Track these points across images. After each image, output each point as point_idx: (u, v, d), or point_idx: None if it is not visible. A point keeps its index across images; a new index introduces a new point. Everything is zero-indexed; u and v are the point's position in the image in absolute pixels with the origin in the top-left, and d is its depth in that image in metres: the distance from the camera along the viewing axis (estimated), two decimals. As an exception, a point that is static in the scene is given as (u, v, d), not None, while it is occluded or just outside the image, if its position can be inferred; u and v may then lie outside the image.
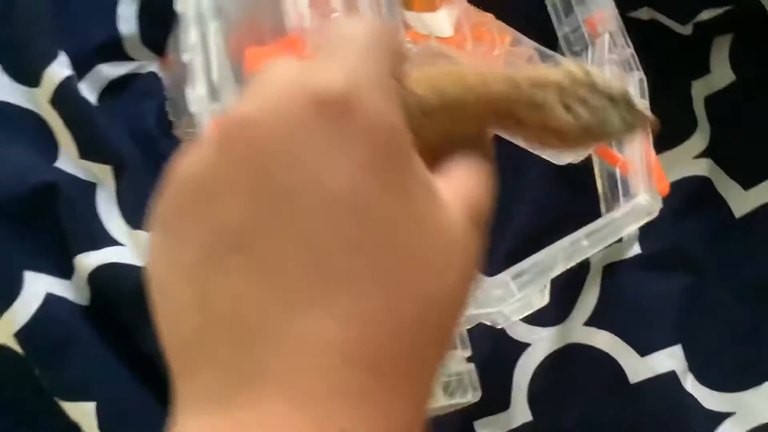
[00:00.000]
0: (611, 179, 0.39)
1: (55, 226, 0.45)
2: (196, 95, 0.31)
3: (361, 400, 0.17)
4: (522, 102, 0.21)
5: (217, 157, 0.18)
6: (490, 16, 0.38)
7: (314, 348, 0.17)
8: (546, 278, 0.31)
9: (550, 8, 0.46)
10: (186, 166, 0.19)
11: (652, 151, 0.39)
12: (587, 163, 0.40)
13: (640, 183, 0.37)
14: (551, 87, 0.21)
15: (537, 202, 0.47)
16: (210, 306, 0.18)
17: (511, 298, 0.29)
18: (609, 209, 0.38)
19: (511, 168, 0.47)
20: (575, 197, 0.45)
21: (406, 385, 0.18)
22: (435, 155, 0.21)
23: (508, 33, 0.37)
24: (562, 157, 0.38)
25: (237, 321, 0.18)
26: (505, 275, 0.30)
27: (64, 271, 0.45)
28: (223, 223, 0.18)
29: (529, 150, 0.31)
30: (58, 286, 0.44)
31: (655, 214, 0.36)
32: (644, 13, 0.50)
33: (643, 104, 0.39)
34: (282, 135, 0.18)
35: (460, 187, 0.20)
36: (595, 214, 0.40)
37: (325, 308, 0.17)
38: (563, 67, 0.21)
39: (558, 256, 0.32)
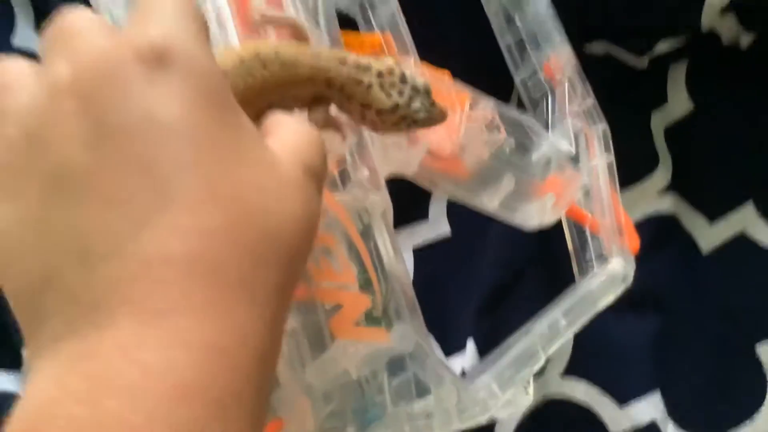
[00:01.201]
0: (582, 238, 0.38)
1: None
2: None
3: (206, 312, 0.18)
4: (347, 77, 0.26)
5: (49, 114, 0.19)
6: (446, 77, 0.36)
7: (159, 265, 0.18)
8: (529, 372, 0.30)
9: (505, 53, 0.44)
10: (14, 119, 0.20)
11: (621, 207, 0.38)
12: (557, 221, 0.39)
13: (612, 244, 0.36)
14: (372, 71, 0.27)
15: (503, 251, 0.46)
16: (54, 242, 0.19)
17: (494, 401, 0.27)
18: (581, 270, 0.37)
19: (476, 224, 0.45)
20: (544, 248, 0.44)
21: (249, 299, 0.19)
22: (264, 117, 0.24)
23: (466, 94, 0.35)
24: (531, 223, 0.36)
25: (84, 250, 0.19)
26: (487, 377, 0.29)
27: None
28: (60, 166, 0.19)
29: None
30: None
31: (630, 280, 0.35)
32: (600, 48, 0.49)
33: (608, 159, 0.38)
34: (111, 84, 0.19)
35: (288, 143, 0.22)
36: (565, 268, 0.39)
37: (167, 227, 0.18)
38: (382, 60, 0.27)
39: (537, 344, 0.30)
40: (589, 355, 0.45)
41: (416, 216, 0.48)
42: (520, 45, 0.43)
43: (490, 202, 0.35)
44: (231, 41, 0.28)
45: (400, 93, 0.27)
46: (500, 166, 0.35)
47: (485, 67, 0.43)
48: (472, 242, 0.47)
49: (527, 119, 0.37)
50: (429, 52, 0.37)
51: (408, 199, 0.45)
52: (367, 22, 0.38)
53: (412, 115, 0.27)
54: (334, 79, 0.26)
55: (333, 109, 0.28)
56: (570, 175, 0.36)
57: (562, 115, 0.40)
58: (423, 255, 0.47)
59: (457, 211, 0.47)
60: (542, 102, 0.42)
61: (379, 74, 0.27)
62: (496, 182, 0.35)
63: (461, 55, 0.45)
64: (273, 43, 0.27)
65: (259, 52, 0.25)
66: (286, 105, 0.27)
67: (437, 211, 0.48)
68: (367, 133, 0.31)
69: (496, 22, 0.44)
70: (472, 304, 0.45)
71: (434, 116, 0.28)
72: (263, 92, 0.25)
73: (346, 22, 0.39)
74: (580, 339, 0.45)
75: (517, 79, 0.43)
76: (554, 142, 0.37)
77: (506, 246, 0.46)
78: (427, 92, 0.27)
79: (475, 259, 0.46)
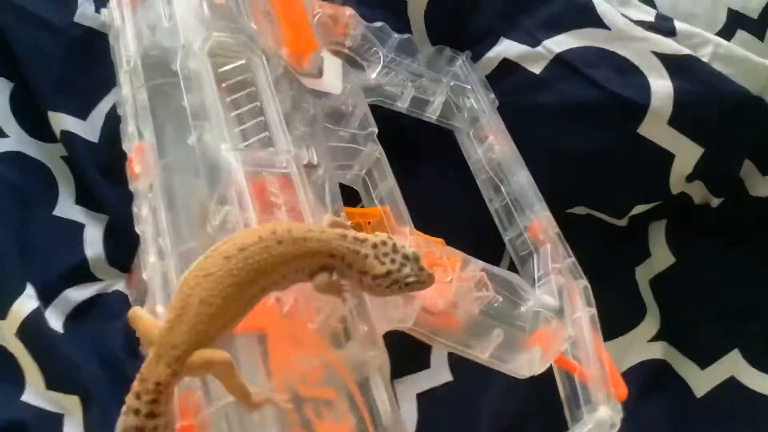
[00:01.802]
0: (571, 385, 0.41)
1: None
2: (147, 262, 0.32)
3: None
4: (347, 249, 0.31)
5: None
6: (440, 243, 0.41)
7: None
8: None
9: (494, 216, 0.49)
10: None
11: (607, 356, 0.41)
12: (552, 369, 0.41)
13: (599, 392, 0.38)
14: (368, 243, 0.31)
15: (504, 397, 0.48)
16: None
17: None
18: (573, 416, 0.40)
19: (477, 372, 0.48)
20: (542, 394, 0.47)
21: None
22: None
23: (458, 257, 0.39)
24: (522, 372, 0.39)
25: None
26: None
27: None
28: None
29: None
30: None
31: (617, 426, 0.38)
32: (580, 210, 0.54)
33: (590, 312, 0.42)
34: None
35: None
36: (561, 415, 0.41)
37: None
38: (377, 234, 0.32)
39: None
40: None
41: (419, 365, 0.50)
42: (507, 209, 0.48)
43: (481, 353, 0.38)
44: (250, 222, 0.33)
45: (392, 261, 0.31)
46: (490, 320, 0.38)
47: (480, 230, 0.48)
48: (474, 387, 0.49)
49: (514, 277, 0.41)
50: (427, 215, 0.42)
51: (410, 349, 0.48)
52: (369, 195, 0.43)
53: (403, 280, 0.31)
54: (337, 251, 0.31)
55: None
56: (556, 328, 0.40)
57: (547, 272, 0.44)
58: (426, 401, 0.49)
59: (458, 359, 0.50)
60: (529, 259, 0.46)
61: (374, 246, 0.31)
62: (487, 335, 0.38)
63: (457, 218, 0.50)
64: (286, 223, 0.31)
65: (275, 230, 0.30)
66: (292, 277, 0.31)
67: (439, 359, 0.51)
68: (366, 296, 0.35)
69: (485, 190, 0.50)
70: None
71: (422, 280, 0.31)
72: (276, 266, 0.30)
73: (351, 194, 0.44)
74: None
75: (506, 239, 0.48)
76: (540, 298, 0.41)
77: (507, 393, 0.48)
78: (416, 259, 0.32)
79: (477, 403, 0.49)
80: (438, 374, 0.51)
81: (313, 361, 0.30)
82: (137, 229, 0.35)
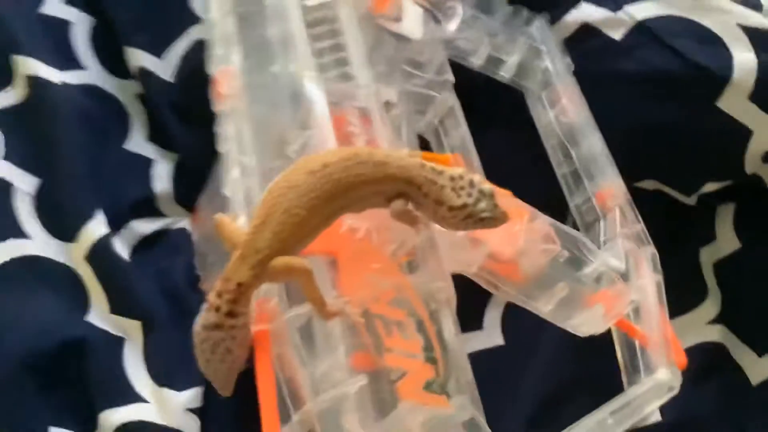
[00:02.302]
0: (631, 350, 0.40)
1: (82, 380, 0.46)
2: (230, 178, 0.33)
3: None
4: (425, 178, 0.31)
5: None
6: (508, 193, 0.41)
7: None
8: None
9: (561, 181, 0.49)
10: None
11: (669, 325, 0.40)
12: (605, 334, 0.41)
13: (660, 356, 0.38)
14: (446, 175, 0.31)
15: (553, 365, 0.48)
16: None
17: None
18: (630, 381, 0.39)
19: (529, 337, 0.48)
20: (592, 364, 0.46)
21: None
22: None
23: (526, 209, 0.39)
24: (582, 329, 0.39)
25: None
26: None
27: (88, 427, 0.45)
28: None
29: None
30: None
31: (676, 389, 0.37)
32: (649, 184, 0.53)
33: (656, 278, 0.41)
34: None
35: None
36: (612, 383, 0.41)
37: None
38: (454, 167, 0.32)
39: (585, 437, 0.32)
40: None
41: (471, 326, 0.50)
42: (575, 175, 0.47)
43: (544, 306, 0.38)
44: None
45: (469, 195, 0.31)
46: (555, 273, 0.38)
47: (543, 191, 0.48)
48: (524, 354, 0.49)
49: (581, 236, 0.41)
50: (493, 174, 0.42)
51: (464, 309, 0.48)
52: (440, 144, 0.43)
53: (478, 214, 0.31)
54: (415, 179, 0.31)
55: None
56: (621, 289, 0.39)
57: (614, 236, 0.43)
58: (475, 362, 0.49)
59: (511, 323, 0.50)
60: (595, 226, 0.46)
61: (452, 178, 0.31)
62: (551, 288, 0.38)
63: (522, 180, 0.50)
64: (368, 147, 0.32)
65: (357, 152, 0.30)
66: (370, 199, 0.31)
67: (492, 322, 0.51)
68: (437, 232, 0.35)
69: (554, 155, 0.49)
70: (521, 415, 0.46)
71: (497, 217, 0.31)
72: (356, 185, 0.30)
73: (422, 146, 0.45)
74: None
75: (572, 204, 0.48)
76: (606, 259, 0.41)
77: (557, 360, 0.48)
78: (492, 196, 0.32)
79: (526, 370, 0.48)
80: (490, 337, 0.50)
81: (385, 283, 0.30)
82: (220, 149, 0.35)
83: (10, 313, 0.46)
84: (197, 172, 0.53)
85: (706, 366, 0.49)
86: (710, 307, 0.52)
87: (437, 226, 0.34)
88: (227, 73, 0.36)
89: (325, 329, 0.31)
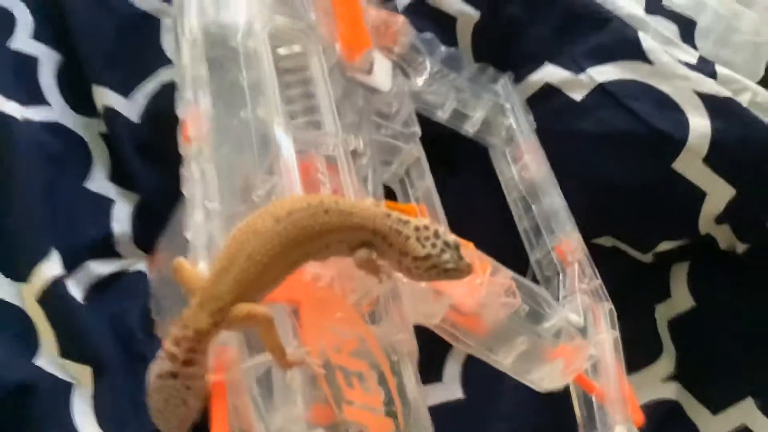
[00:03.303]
0: (588, 407, 0.40)
1: (28, 426, 0.44)
2: (193, 221, 0.33)
3: None
4: (390, 228, 0.31)
5: None
6: (470, 245, 0.41)
7: None
8: None
9: (522, 235, 0.49)
10: None
11: (626, 381, 0.40)
12: (564, 389, 0.41)
13: (617, 413, 0.38)
14: (411, 225, 0.31)
15: (513, 419, 0.48)
16: None
17: None
18: (588, 438, 0.39)
19: (489, 390, 0.48)
20: (551, 417, 0.46)
21: None
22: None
23: (488, 262, 0.40)
24: (542, 384, 0.39)
25: None
26: None
27: None
28: None
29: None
30: None
31: (633, 448, 0.37)
32: (607, 241, 0.54)
33: (612, 334, 0.42)
34: None
35: None
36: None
37: None
38: (420, 218, 0.32)
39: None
40: None
41: (431, 378, 0.50)
42: (536, 229, 0.48)
43: (504, 359, 0.38)
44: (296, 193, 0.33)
45: (434, 245, 0.31)
46: (515, 327, 0.38)
47: (505, 243, 0.48)
48: (484, 407, 0.49)
49: (541, 290, 0.41)
50: (456, 225, 0.43)
51: (424, 361, 0.48)
52: (405, 194, 0.44)
53: (443, 265, 0.31)
54: (380, 229, 0.31)
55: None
56: (579, 345, 0.40)
57: (572, 291, 0.44)
58: (435, 415, 0.49)
59: (471, 376, 0.50)
60: (554, 279, 0.47)
61: (416, 228, 0.31)
62: (511, 341, 0.38)
63: (484, 232, 0.51)
64: (334, 196, 0.32)
65: (323, 200, 0.30)
66: (334, 248, 0.31)
67: (452, 375, 0.50)
68: (400, 283, 0.35)
69: (515, 209, 0.50)
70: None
71: (461, 268, 0.32)
72: (320, 234, 0.30)
73: (387, 195, 0.45)
74: None
75: (532, 258, 0.48)
76: (565, 314, 0.41)
77: (517, 414, 0.48)
78: (457, 247, 0.32)
79: (486, 423, 0.48)
80: (450, 390, 0.50)
81: (347, 333, 0.30)
82: (184, 191, 0.35)
83: None
84: (157, 213, 0.53)
85: (661, 423, 0.50)
86: (665, 364, 0.52)
87: (400, 278, 0.34)
88: (195, 116, 0.35)
89: (284, 381, 0.30)
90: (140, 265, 0.53)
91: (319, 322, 0.30)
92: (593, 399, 0.41)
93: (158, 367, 0.28)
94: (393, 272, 0.33)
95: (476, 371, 0.50)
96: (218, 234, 0.32)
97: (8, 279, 0.49)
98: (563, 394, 0.44)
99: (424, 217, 0.32)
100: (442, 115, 0.50)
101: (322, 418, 0.29)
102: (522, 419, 0.48)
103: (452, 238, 0.32)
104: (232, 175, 0.35)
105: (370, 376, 0.29)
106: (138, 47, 0.55)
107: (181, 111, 0.37)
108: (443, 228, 0.32)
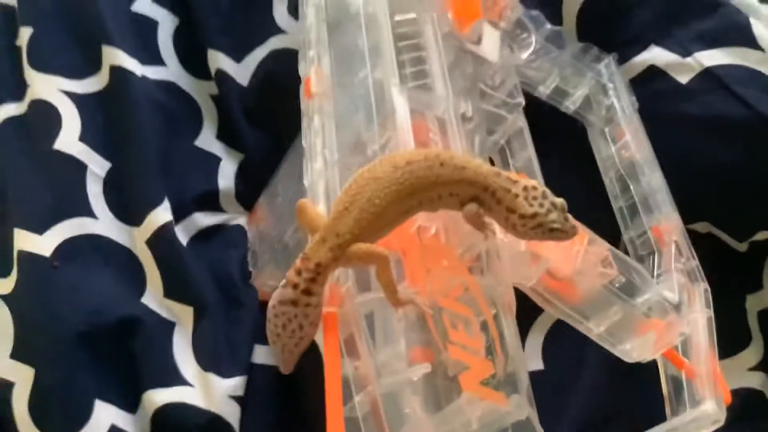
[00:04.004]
0: (676, 382, 0.41)
1: (131, 359, 0.47)
2: (312, 168, 0.35)
3: None
4: (500, 185, 0.32)
5: None
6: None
7: None
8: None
9: (617, 213, 0.50)
10: None
11: (716, 360, 0.40)
12: (644, 366, 0.41)
13: (706, 389, 0.38)
14: (519, 184, 0.32)
15: (592, 393, 0.48)
16: None
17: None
18: (674, 412, 0.39)
19: (569, 364, 0.48)
20: (631, 394, 0.46)
21: None
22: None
23: (585, 232, 0.40)
24: (632, 355, 0.39)
25: None
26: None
27: (131, 404, 0.46)
28: None
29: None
30: (123, 419, 0.45)
31: (721, 422, 0.37)
32: (702, 227, 0.53)
33: (707, 314, 0.42)
34: None
35: None
36: (652, 415, 0.41)
37: None
38: (529, 179, 0.33)
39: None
40: None
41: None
42: (632, 208, 0.48)
43: (596, 327, 0.39)
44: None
45: (541, 205, 0.32)
46: (609, 297, 0.39)
47: (594, 222, 0.49)
48: (564, 380, 0.49)
49: (638, 265, 0.41)
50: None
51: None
52: (505, 164, 0.45)
53: (549, 224, 0.32)
54: (490, 185, 0.32)
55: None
56: (673, 321, 0.40)
57: (668, 270, 0.44)
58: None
59: (551, 350, 0.51)
60: (647, 259, 0.47)
61: (525, 188, 0.32)
62: (605, 310, 0.38)
63: (574, 209, 0.51)
64: (450, 151, 0.33)
65: (439, 154, 0.32)
66: (446, 200, 0.33)
67: (533, 346, 0.51)
68: (501, 243, 0.36)
69: (611, 187, 0.50)
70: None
71: (566, 229, 0.32)
72: (435, 185, 0.32)
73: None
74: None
75: (626, 237, 0.48)
76: (660, 290, 0.41)
77: (596, 388, 0.48)
78: (563, 209, 0.33)
79: (565, 396, 0.49)
80: (531, 361, 0.51)
81: (453, 279, 0.31)
82: (303, 143, 0.37)
83: (71, 285, 0.48)
84: (259, 173, 0.55)
85: (744, 411, 0.49)
86: (753, 353, 0.52)
87: (502, 239, 0.35)
88: (318, 73, 0.37)
89: (388, 321, 0.32)
90: (240, 219, 0.56)
91: (427, 268, 0.32)
92: (682, 375, 0.41)
93: (280, 294, 0.30)
94: (498, 229, 0.34)
95: (558, 345, 0.51)
96: (335, 181, 0.34)
97: (121, 223, 0.52)
98: (645, 373, 0.44)
99: (532, 179, 0.33)
100: (544, 91, 0.50)
101: (421, 359, 0.31)
102: (601, 394, 0.48)
103: (559, 200, 0.33)
104: (349, 130, 0.36)
105: (473, 322, 0.31)
106: (251, 16, 0.58)
107: (304, 69, 0.39)
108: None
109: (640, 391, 0.45)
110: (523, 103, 0.45)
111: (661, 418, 0.41)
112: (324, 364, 0.29)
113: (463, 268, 0.32)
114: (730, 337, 0.52)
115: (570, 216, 0.33)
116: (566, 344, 0.50)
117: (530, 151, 0.43)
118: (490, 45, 0.45)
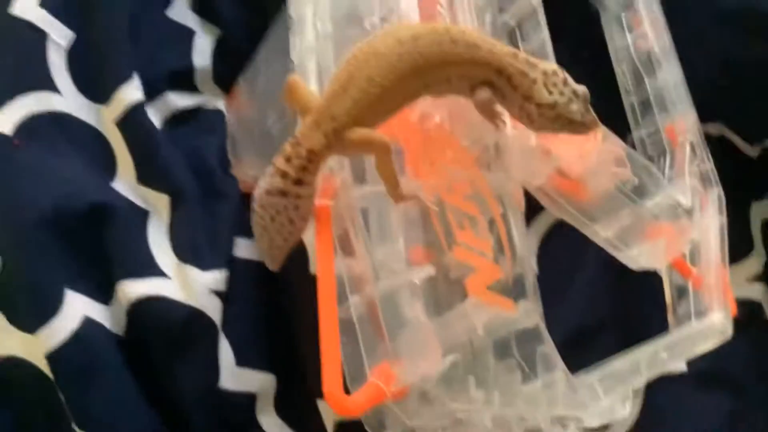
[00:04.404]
0: (681, 291, 0.38)
1: (103, 247, 0.44)
2: (303, 43, 0.31)
3: None
4: (516, 68, 0.28)
5: None
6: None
7: None
8: (630, 386, 0.30)
9: (627, 109, 0.46)
10: None
11: (726, 270, 0.38)
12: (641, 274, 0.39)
13: (714, 300, 0.36)
14: (539, 69, 0.29)
15: (589, 301, 0.47)
16: None
17: (596, 402, 0.28)
18: (678, 322, 0.38)
19: (565, 269, 0.46)
20: (632, 303, 0.45)
21: None
22: None
23: (600, 127, 0.37)
24: (639, 261, 0.37)
25: None
26: (591, 377, 0.29)
27: (105, 295, 0.43)
28: None
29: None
30: (96, 311, 0.42)
31: (728, 336, 0.36)
32: (714, 129, 0.50)
33: (720, 221, 0.39)
34: None
35: None
36: (650, 326, 0.39)
37: None
38: (549, 63, 0.29)
39: (641, 364, 0.31)
40: (655, 423, 0.45)
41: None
42: (645, 104, 0.45)
43: (603, 231, 0.36)
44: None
45: (561, 93, 0.29)
46: (620, 199, 0.36)
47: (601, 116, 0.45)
48: (558, 285, 0.47)
49: (651, 165, 0.38)
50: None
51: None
52: (515, 47, 0.40)
53: (568, 115, 0.29)
54: (506, 68, 0.28)
55: None
56: (684, 226, 0.37)
57: (681, 172, 0.41)
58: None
59: (546, 254, 0.49)
60: (658, 160, 0.44)
61: (545, 73, 0.29)
62: (615, 213, 0.36)
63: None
64: (461, 26, 0.29)
65: (449, 29, 0.28)
66: (454, 83, 0.29)
67: (528, 249, 0.49)
68: (509, 137, 0.33)
69: (623, 80, 0.46)
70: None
71: (587, 122, 0.29)
72: (444, 64, 0.28)
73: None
74: (646, 409, 0.45)
75: (636, 135, 0.45)
76: (672, 193, 0.38)
77: (591, 295, 0.47)
78: (586, 99, 0.29)
79: (558, 302, 0.47)
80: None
81: (460, 174, 0.28)
82: (290, 12, 0.32)
83: (36, 167, 0.44)
84: (238, 51, 0.50)
85: (741, 321, 0.48)
86: (753, 263, 0.50)
87: (511, 129, 0.32)
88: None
89: (385, 216, 0.28)
90: (218, 102, 0.52)
91: (431, 160, 0.28)
92: (688, 284, 0.39)
93: (268, 183, 0.26)
94: (509, 120, 0.30)
95: (552, 249, 0.49)
96: (328, 57, 0.30)
97: (87, 99, 0.47)
98: (643, 280, 0.42)
99: (552, 63, 0.30)
100: (560, -32, 0.45)
101: (421, 259, 0.28)
102: (597, 301, 0.47)
103: (582, 88, 0.29)
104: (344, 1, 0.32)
105: (480, 221, 0.28)
106: None
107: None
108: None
109: (639, 299, 0.43)
110: (539, -21, 0.40)
111: (661, 329, 0.39)
112: (316, 261, 0.26)
113: (471, 161, 0.29)
114: (730, 245, 0.50)
115: (590, 107, 0.30)
116: (560, 249, 0.48)
117: (544, 33, 0.39)
118: None
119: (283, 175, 0.26)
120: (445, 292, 0.27)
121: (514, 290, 0.27)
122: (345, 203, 0.27)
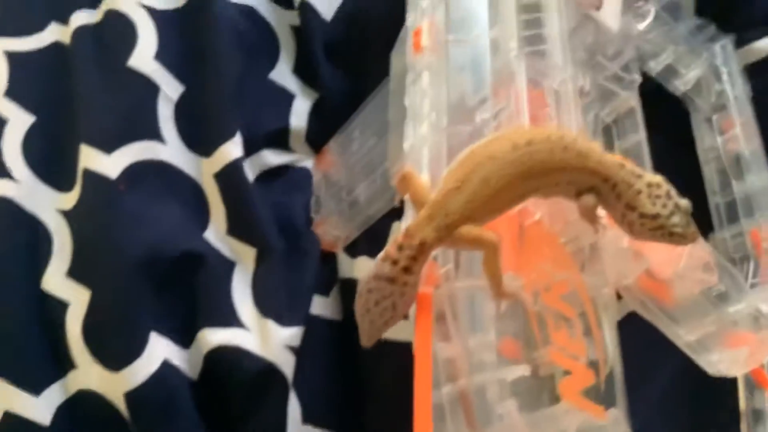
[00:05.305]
0: (758, 400, 0.38)
1: (189, 294, 0.46)
2: (417, 132, 0.32)
3: None
4: (622, 178, 0.29)
5: None
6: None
7: None
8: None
9: (713, 210, 0.46)
10: None
11: (808, 385, 0.38)
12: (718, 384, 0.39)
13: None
14: (644, 180, 0.30)
15: (666, 407, 0.46)
16: None
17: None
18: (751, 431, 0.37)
19: (642, 365, 0.46)
20: (705, 410, 0.44)
21: None
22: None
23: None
24: (718, 368, 0.37)
25: None
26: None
27: (185, 340, 0.45)
28: None
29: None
30: (176, 355, 0.44)
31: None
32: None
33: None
34: None
35: None
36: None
37: None
38: (654, 175, 0.30)
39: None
40: None
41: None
42: (731, 206, 0.45)
43: (687, 335, 0.36)
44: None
45: (664, 205, 0.30)
46: (705, 305, 0.36)
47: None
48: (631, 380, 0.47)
49: (737, 273, 0.39)
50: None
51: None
52: (609, 144, 0.42)
53: (670, 227, 0.29)
54: (612, 177, 0.30)
55: None
56: (765, 336, 0.37)
57: (765, 280, 0.41)
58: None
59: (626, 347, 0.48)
60: (740, 263, 0.44)
61: (649, 185, 0.30)
62: (699, 319, 0.36)
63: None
64: (573, 133, 0.30)
65: (563, 137, 0.29)
66: (563, 187, 0.30)
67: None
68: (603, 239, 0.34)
69: (710, 181, 0.47)
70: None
71: (687, 235, 0.30)
72: (555, 171, 0.29)
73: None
74: None
75: (719, 236, 0.45)
76: (756, 301, 0.39)
77: (664, 401, 0.46)
78: (687, 212, 0.30)
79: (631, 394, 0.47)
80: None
81: (559, 275, 0.29)
82: (406, 101, 0.34)
83: (136, 212, 0.47)
84: (333, 115, 0.53)
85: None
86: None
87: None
88: (432, 25, 0.34)
89: (477, 306, 0.30)
90: (307, 162, 0.54)
91: (531, 258, 0.29)
92: (765, 394, 0.38)
93: (378, 268, 0.28)
94: (610, 224, 0.31)
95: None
96: (441, 149, 0.31)
97: (190, 152, 0.50)
98: (715, 387, 0.42)
99: (657, 175, 0.31)
100: (655, 67, 0.46)
101: (509, 351, 0.29)
102: (671, 402, 0.46)
103: (684, 202, 0.30)
104: (459, 92, 0.34)
105: (577, 323, 0.28)
106: None
107: (414, 19, 0.36)
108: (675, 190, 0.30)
109: (713, 405, 0.43)
110: (639, 80, 0.41)
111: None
112: (414, 346, 0.28)
113: (570, 261, 0.30)
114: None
115: (692, 220, 0.31)
116: (634, 351, 0.47)
117: (641, 134, 0.40)
118: (611, 11, 0.41)
119: (394, 262, 0.28)
120: (532, 388, 0.28)
121: (605, 397, 0.28)
122: (446, 292, 0.29)
